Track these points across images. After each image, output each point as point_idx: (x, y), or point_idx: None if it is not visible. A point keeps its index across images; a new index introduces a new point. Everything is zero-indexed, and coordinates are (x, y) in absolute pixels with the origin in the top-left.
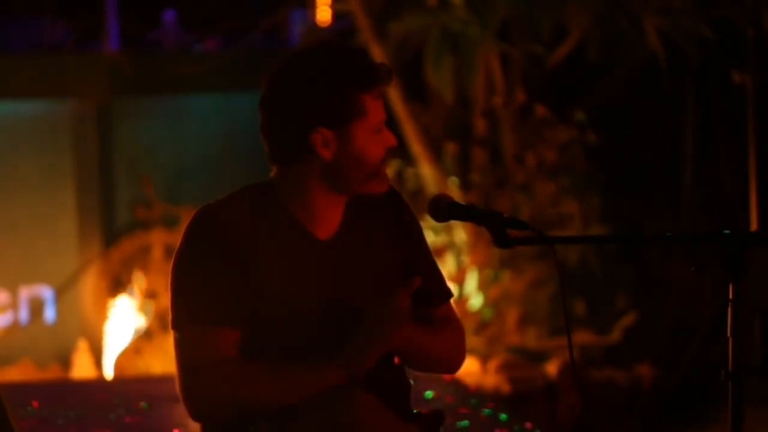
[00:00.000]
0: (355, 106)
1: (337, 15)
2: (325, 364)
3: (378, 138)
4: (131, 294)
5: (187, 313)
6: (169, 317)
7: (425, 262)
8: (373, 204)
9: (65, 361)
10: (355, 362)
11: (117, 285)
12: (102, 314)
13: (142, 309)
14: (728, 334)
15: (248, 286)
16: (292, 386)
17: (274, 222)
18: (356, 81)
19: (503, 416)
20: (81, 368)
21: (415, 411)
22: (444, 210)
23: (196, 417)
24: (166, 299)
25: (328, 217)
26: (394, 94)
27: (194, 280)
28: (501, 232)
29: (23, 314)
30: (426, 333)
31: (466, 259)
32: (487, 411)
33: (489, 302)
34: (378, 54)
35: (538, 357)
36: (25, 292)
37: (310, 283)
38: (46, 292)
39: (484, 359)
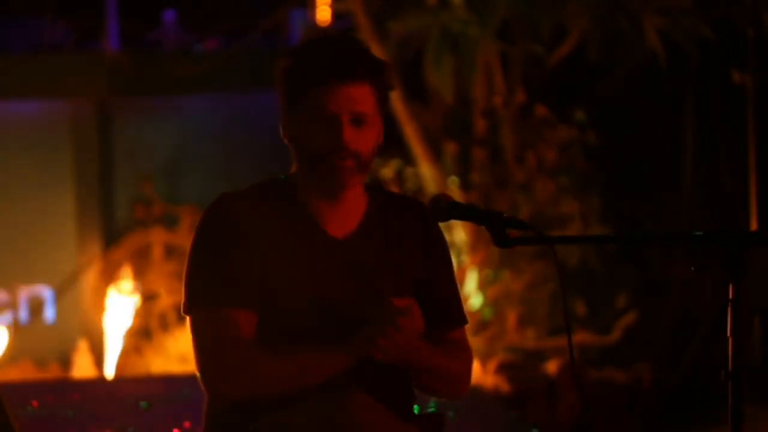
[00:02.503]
0: (296, 93)
1: (337, 14)
2: (335, 346)
3: (319, 128)
4: (124, 291)
5: (206, 294)
6: (169, 316)
7: (445, 284)
8: (402, 213)
9: (65, 361)
10: (361, 350)
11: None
12: (102, 313)
13: (135, 306)
14: (728, 334)
15: (259, 275)
16: (304, 367)
17: (288, 215)
18: (299, 70)
19: None
20: (81, 368)
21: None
22: (444, 210)
23: (214, 396)
24: (166, 299)
25: (343, 215)
26: (394, 94)
27: (212, 262)
28: (501, 232)
29: (23, 314)
30: (434, 352)
31: (466, 258)
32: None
33: (489, 302)
34: (378, 53)
35: (538, 357)
36: (25, 292)
37: (317, 278)
38: (46, 292)
39: (484, 359)
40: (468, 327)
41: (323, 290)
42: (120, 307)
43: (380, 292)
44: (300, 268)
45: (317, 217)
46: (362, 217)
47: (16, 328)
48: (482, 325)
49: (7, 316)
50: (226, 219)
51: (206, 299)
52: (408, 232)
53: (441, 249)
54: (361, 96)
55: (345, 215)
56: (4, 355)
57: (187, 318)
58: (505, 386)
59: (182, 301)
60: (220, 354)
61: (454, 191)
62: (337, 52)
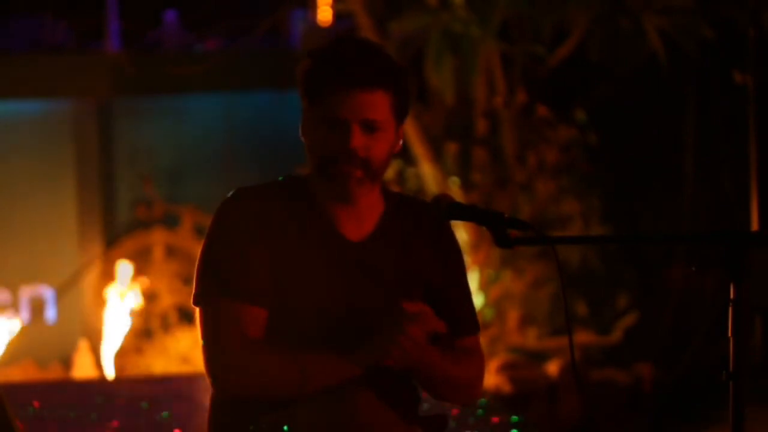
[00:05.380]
0: (313, 95)
1: (337, 15)
2: (342, 354)
3: (330, 132)
4: (125, 289)
5: (217, 287)
6: (170, 316)
7: (458, 290)
8: (418, 218)
9: (66, 361)
10: (367, 360)
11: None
12: (102, 314)
13: (137, 305)
14: (729, 334)
15: (271, 273)
16: (306, 372)
17: (303, 214)
18: (317, 73)
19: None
20: (82, 368)
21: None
22: (445, 210)
23: (220, 390)
24: (166, 299)
25: (358, 218)
26: None
27: (225, 256)
28: (502, 232)
29: (24, 314)
30: (445, 358)
31: (467, 259)
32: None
33: (490, 302)
34: None
35: (539, 357)
36: (25, 292)
37: (329, 280)
38: (46, 292)
39: (485, 359)
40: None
41: (335, 292)
42: (120, 307)
43: (393, 296)
44: (312, 269)
45: (332, 218)
46: (378, 221)
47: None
48: (483, 326)
49: (8, 316)
50: (241, 214)
51: (216, 293)
52: (424, 238)
53: (455, 255)
54: (373, 102)
55: (360, 218)
56: (5, 354)
57: (197, 309)
58: (506, 386)
59: (192, 292)
60: (225, 348)
61: (455, 191)
62: (353, 57)
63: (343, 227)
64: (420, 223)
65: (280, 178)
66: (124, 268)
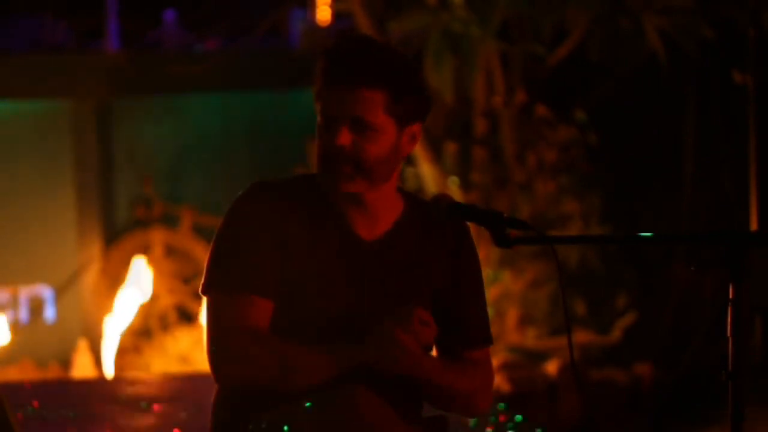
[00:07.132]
0: (317, 93)
1: (337, 14)
2: (332, 352)
3: (323, 130)
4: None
5: (225, 278)
6: (169, 316)
7: (471, 301)
8: (437, 224)
9: (65, 361)
10: (354, 359)
11: (117, 284)
12: (102, 313)
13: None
14: (728, 334)
15: (282, 268)
16: (294, 368)
17: (317, 211)
18: (321, 71)
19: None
20: (81, 368)
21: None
22: (444, 210)
23: (221, 380)
24: (165, 299)
25: (372, 218)
26: None
27: (234, 247)
28: (501, 232)
29: (23, 314)
30: (448, 368)
31: None
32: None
33: (489, 302)
34: None
35: (539, 357)
36: (25, 292)
37: (335, 277)
38: (46, 292)
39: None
40: None
41: (340, 288)
42: (125, 306)
43: (397, 297)
44: (320, 265)
45: (346, 216)
46: (394, 222)
47: (16, 328)
48: None
49: (8, 315)
50: (255, 207)
51: (221, 283)
52: (439, 244)
53: (473, 265)
54: (363, 101)
55: (374, 217)
56: (5, 354)
57: (204, 298)
58: (505, 386)
59: (201, 282)
60: (226, 338)
61: (455, 191)
62: (348, 56)
63: (357, 226)
64: (439, 228)
65: (298, 175)
66: (138, 264)
